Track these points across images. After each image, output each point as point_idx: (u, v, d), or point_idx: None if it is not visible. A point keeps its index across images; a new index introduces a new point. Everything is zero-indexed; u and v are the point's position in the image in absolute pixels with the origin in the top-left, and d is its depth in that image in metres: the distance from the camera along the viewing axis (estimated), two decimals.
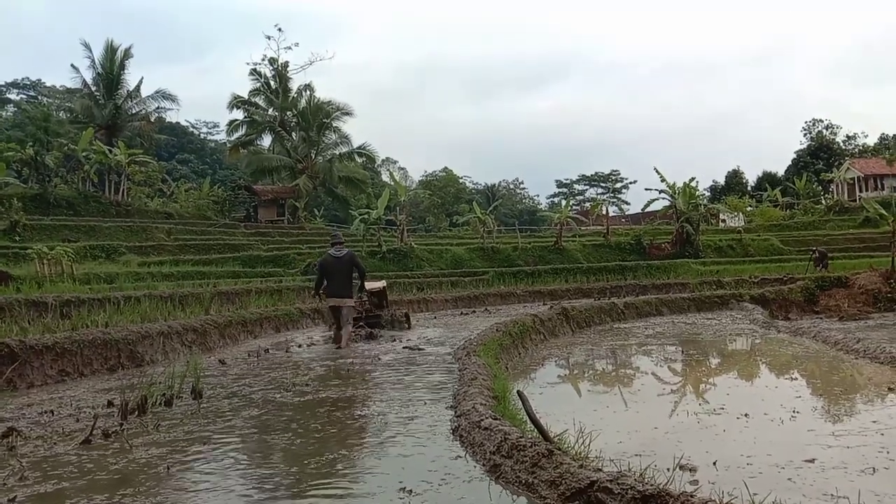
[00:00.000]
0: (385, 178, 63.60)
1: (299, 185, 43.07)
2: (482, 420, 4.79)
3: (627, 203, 56.66)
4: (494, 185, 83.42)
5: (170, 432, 5.73)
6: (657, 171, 34.37)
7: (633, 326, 15.55)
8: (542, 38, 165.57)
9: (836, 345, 11.35)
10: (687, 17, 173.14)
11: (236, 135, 48.31)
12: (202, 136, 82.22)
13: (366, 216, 30.48)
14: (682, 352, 12.13)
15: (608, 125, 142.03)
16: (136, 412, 6.30)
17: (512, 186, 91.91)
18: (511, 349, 10.82)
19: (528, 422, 4.76)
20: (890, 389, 7.84)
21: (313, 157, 45.98)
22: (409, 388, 7.75)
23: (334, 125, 46.32)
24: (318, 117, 45.37)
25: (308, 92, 47.72)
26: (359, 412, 6.61)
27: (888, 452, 5.20)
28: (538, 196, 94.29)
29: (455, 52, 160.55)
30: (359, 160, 49.57)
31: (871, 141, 70.19)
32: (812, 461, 5.03)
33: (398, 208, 33.13)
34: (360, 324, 12.60)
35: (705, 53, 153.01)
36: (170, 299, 13.95)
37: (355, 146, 47.18)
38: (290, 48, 52.03)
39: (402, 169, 78.15)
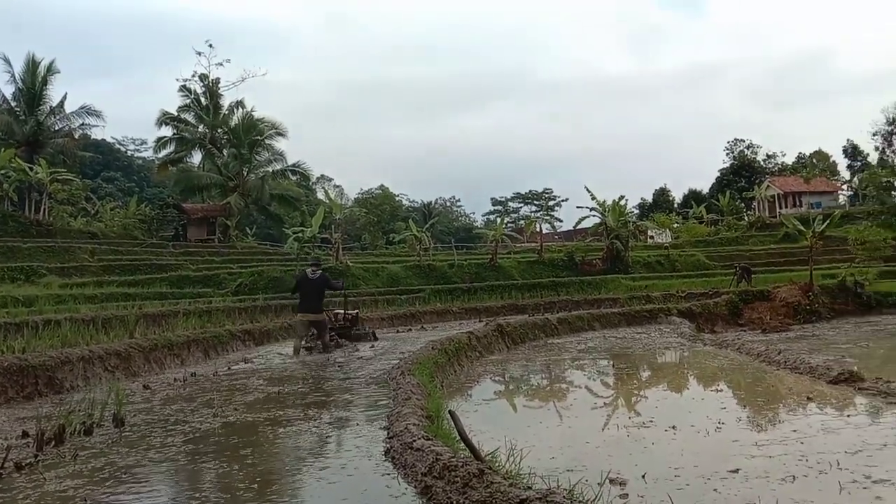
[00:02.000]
0: (320, 195, 63.02)
1: (230, 203, 42.23)
2: (414, 441, 4.76)
3: (560, 220, 58.01)
4: (431, 202, 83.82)
5: (88, 463, 5.48)
6: (588, 190, 35.23)
7: (567, 341, 15.77)
8: (481, 57, 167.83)
9: (758, 356, 11.76)
10: (621, 41, 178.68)
11: (165, 152, 47.10)
12: (129, 153, 79.72)
13: (300, 234, 30.08)
14: (614, 366, 12.37)
15: (543, 144, 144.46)
16: (53, 442, 6.00)
17: (448, 204, 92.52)
18: (447, 367, 10.80)
19: (461, 441, 4.75)
20: (809, 399, 8.17)
21: (245, 174, 45.16)
22: (343, 408, 7.64)
23: (267, 143, 45.68)
24: (251, 134, 44.64)
25: (240, 109, 46.98)
26: (291, 435, 6.47)
27: (807, 461, 5.40)
28: (474, 214, 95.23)
29: (393, 71, 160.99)
30: (293, 178, 48.97)
31: (790, 160, 73.82)
32: (736, 471, 5.17)
33: (333, 226, 32.81)
34: (333, 335, 13.95)
35: (638, 76, 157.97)
36: (92, 322, 13.40)
37: (289, 164, 46.64)
38: (221, 64, 51.09)
39: (338, 187, 77.67)
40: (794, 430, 6.56)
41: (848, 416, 7.22)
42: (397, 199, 74.02)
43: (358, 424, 6.72)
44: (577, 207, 37.20)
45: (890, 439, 6.08)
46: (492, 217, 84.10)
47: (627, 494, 4.64)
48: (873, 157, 54.64)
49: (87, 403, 7.07)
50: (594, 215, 34.90)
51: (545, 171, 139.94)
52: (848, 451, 5.60)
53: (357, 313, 16.28)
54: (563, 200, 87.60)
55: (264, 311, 19.64)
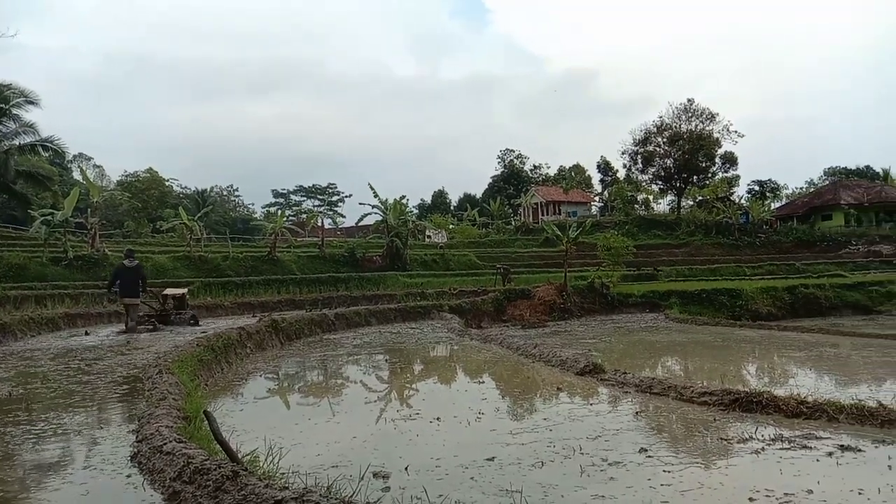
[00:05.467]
0: (77, 175, 56.93)
1: None
2: (165, 444, 4.39)
3: (343, 216, 58.14)
4: (206, 190, 79.27)
5: None
6: (371, 187, 35.58)
7: (343, 337, 15.76)
8: (268, 45, 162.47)
9: (517, 350, 12.62)
10: (411, 44, 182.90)
11: None
12: None
13: (49, 218, 26.85)
14: (388, 360, 12.56)
15: (330, 139, 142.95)
16: None
17: (225, 193, 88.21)
18: (213, 364, 10.23)
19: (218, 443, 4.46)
20: (559, 389, 8.90)
21: None
22: (89, 409, 6.89)
23: (14, 112, 40.14)
24: None
25: None
26: (27, 441, 5.68)
27: (555, 446, 5.85)
28: (253, 205, 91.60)
29: (170, 49, 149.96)
30: (44, 154, 43.52)
31: (553, 171, 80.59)
32: (492, 459, 5.46)
33: (90, 210, 29.72)
34: (152, 319, 15.33)
35: (424, 81, 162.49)
36: None
37: (41, 137, 41.37)
38: None
39: (98, 167, 70.65)
40: (545, 419, 7.09)
41: (591, 404, 7.96)
42: (167, 184, 68.76)
43: (101, 427, 6.08)
44: (360, 204, 37.59)
45: (624, 425, 6.79)
46: (272, 209, 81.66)
47: (389, 487, 4.68)
48: (622, 174, 61.42)
49: None
50: (376, 213, 35.30)
51: (331, 166, 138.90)
52: (589, 437, 6.16)
53: (185, 293, 17.28)
54: (346, 196, 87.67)
55: (2, 302, 17.27)
